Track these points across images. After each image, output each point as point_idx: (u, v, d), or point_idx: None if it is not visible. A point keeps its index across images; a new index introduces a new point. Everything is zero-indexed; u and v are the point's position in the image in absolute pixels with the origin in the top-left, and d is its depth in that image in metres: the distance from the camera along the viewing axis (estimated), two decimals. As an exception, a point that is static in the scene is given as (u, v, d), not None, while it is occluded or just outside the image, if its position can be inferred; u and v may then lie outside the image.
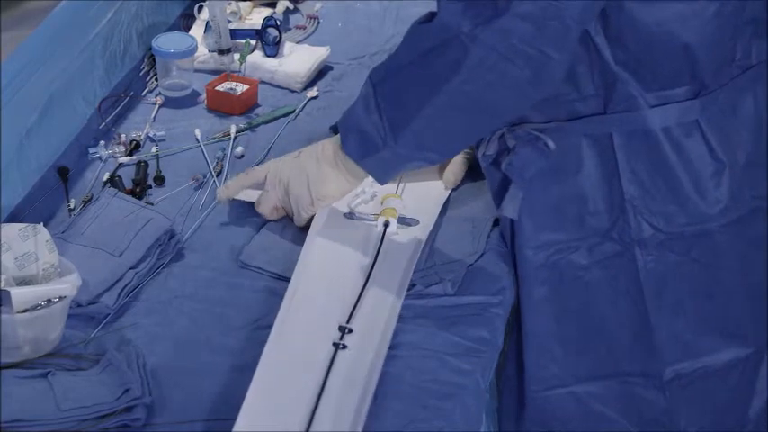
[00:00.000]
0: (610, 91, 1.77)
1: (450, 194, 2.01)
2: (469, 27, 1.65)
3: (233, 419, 1.56)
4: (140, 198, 2.00)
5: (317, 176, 1.86)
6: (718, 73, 1.81)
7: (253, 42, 2.39)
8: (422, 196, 2.00)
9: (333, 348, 1.65)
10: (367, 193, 1.98)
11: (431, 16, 1.71)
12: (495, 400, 2.11)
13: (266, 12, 2.59)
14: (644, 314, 1.89)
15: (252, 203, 1.97)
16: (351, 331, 1.68)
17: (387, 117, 1.72)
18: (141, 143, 2.16)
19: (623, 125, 1.79)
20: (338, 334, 1.68)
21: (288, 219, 1.95)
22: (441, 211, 1.97)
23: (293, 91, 2.36)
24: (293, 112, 2.29)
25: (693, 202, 1.84)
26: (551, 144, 1.79)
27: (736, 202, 1.87)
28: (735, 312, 1.94)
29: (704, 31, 1.76)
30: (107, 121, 2.22)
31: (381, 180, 1.82)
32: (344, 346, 1.65)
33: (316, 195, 1.87)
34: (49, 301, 1.65)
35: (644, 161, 1.81)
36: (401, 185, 2.01)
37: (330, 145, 1.85)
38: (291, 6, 2.65)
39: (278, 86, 2.37)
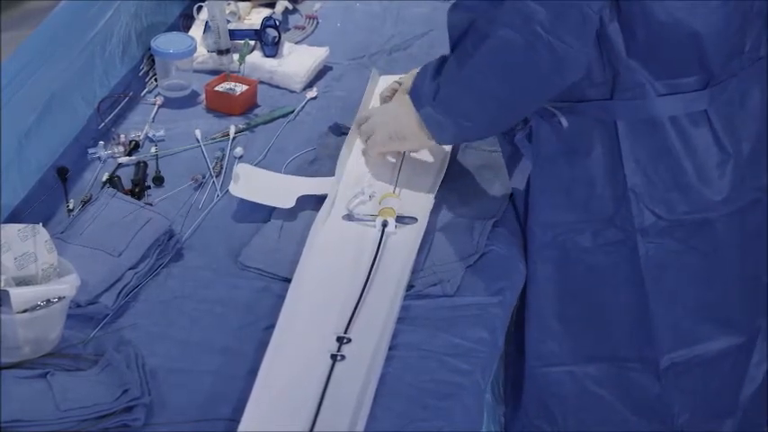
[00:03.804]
0: (618, 77, 1.80)
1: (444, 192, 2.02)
2: (488, 6, 1.74)
3: (232, 419, 1.56)
4: (139, 198, 2.00)
5: (405, 132, 1.97)
6: (727, 64, 1.84)
7: (252, 42, 2.39)
8: (418, 186, 2.02)
9: (331, 361, 1.65)
10: (366, 193, 1.99)
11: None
12: (502, 405, 2.12)
13: (265, 12, 2.59)
14: (643, 301, 1.92)
15: (255, 204, 1.97)
16: (349, 341, 1.69)
17: (437, 79, 1.88)
18: (140, 143, 2.16)
19: (629, 113, 1.83)
20: (336, 345, 1.68)
21: (286, 220, 1.96)
22: (441, 212, 1.98)
23: (292, 91, 2.36)
24: (292, 112, 2.29)
25: (696, 191, 1.87)
26: (564, 122, 1.84)
27: (738, 193, 1.90)
28: (730, 301, 1.98)
29: (711, 20, 1.78)
30: (106, 121, 2.22)
31: (434, 135, 1.91)
32: (343, 357, 1.66)
33: (404, 147, 2.03)
34: (48, 301, 1.65)
35: (648, 149, 1.84)
36: (398, 184, 2.01)
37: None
38: (290, 6, 2.65)
39: (277, 87, 2.37)
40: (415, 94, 1.91)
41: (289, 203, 1.97)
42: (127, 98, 2.29)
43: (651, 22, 1.76)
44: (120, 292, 1.78)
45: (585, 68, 1.78)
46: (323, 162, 2.11)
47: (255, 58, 2.40)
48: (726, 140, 1.86)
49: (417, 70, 2.10)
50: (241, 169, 2.03)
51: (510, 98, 1.81)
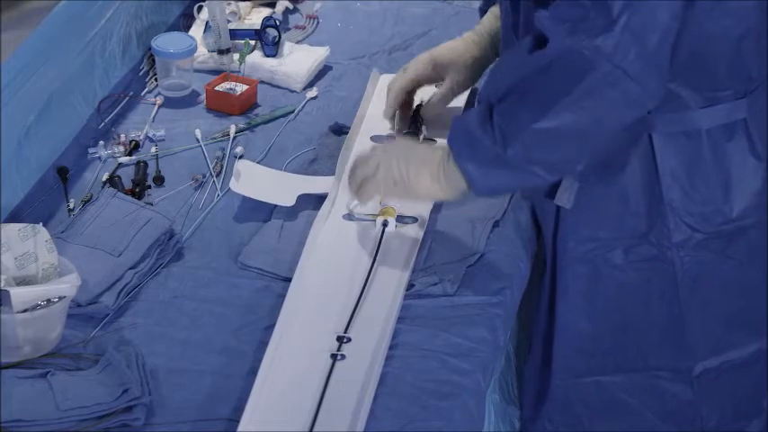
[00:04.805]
0: None
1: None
2: (586, 39, 1.60)
3: (232, 419, 1.56)
4: (140, 198, 2.00)
5: (413, 181, 1.79)
6: (761, 66, 1.81)
7: (252, 42, 2.39)
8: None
9: (331, 360, 1.65)
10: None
11: (536, 44, 1.66)
12: (513, 406, 2.11)
13: (266, 12, 2.59)
14: (677, 313, 1.90)
15: (255, 201, 1.97)
16: (349, 340, 1.69)
17: (499, 129, 1.67)
18: (141, 143, 2.16)
19: (667, 125, 1.80)
20: (336, 344, 1.68)
21: (287, 219, 1.96)
22: (441, 212, 1.97)
23: (293, 91, 2.36)
24: (293, 112, 2.29)
25: (732, 201, 1.85)
26: None
27: None
28: (759, 306, 1.96)
29: (750, 21, 1.76)
30: (107, 120, 2.22)
31: (480, 189, 1.74)
32: (343, 357, 1.66)
33: (407, 196, 1.83)
34: (48, 301, 1.65)
35: (684, 162, 1.82)
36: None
37: (438, 153, 1.77)
38: (291, 6, 2.65)
39: (277, 86, 2.37)
40: (467, 146, 1.72)
41: (289, 201, 1.97)
42: (127, 98, 2.29)
43: (701, 34, 1.71)
44: (120, 292, 1.78)
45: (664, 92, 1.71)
46: (323, 162, 2.11)
47: (256, 57, 2.40)
48: (760, 147, 1.84)
49: (423, 55, 2.06)
50: (242, 166, 2.04)
51: (595, 135, 1.68)
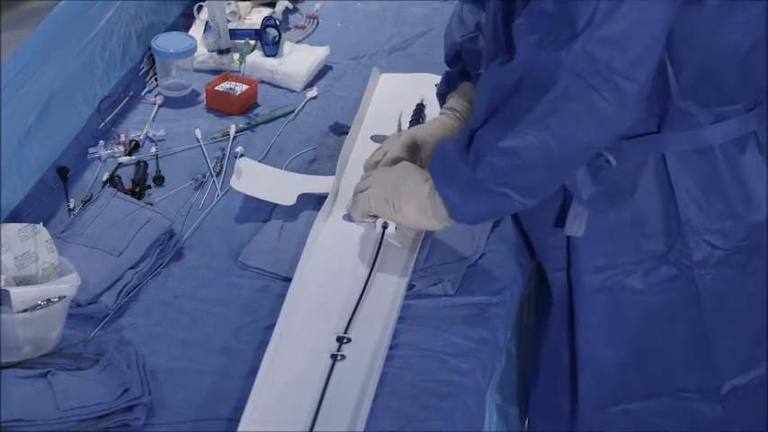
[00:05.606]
0: (665, 110, 1.74)
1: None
2: (550, 52, 1.60)
3: (232, 419, 1.56)
4: (140, 198, 2.00)
5: (403, 209, 1.81)
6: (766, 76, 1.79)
7: (252, 42, 2.39)
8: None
9: (331, 361, 1.65)
10: (366, 193, 1.98)
11: (508, 58, 1.67)
12: (513, 406, 2.11)
13: (266, 12, 2.60)
14: (702, 332, 1.87)
15: (255, 201, 1.97)
16: (349, 341, 1.68)
17: (474, 151, 1.68)
18: (141, 143, 2.16)
19: (679, 144, 1.77)
20: (336, 345, 1.68)
21: (287, 219, 1.96)
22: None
23: (293, 91, 2.36)
24: (293, 111, 2.29)
25: (750, 215, 1.82)
26: (613, 161, 1.76)
27: None
28: None
29: (758, 31, 1.74)
30: (107, 120, 2.22)
31: (460, 216, 1.75)
32: (343, 357, 1.66)
33: (395, 220, 1.84)
34: (48, 300, 1.65)
35: (698, 179, 1.79)
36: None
37: (428, 186, 1.77)
38: (291, 6, 2.65)
39: (278, 86, 2.37)
40: (444, 169, 1.73)
41: (290, 201, 1.97)
42: (127, 98, 2.29)
43: (710, 47, 1.70)
44: (120, 292, 1.78)
45: (640, 111, 1.69)
46: (323, 162, 2.11)
47: (256, 57, 2.40)
48: None
49: (402, 138, 1.96)
50: (243, 164, 2.04)
51: (565, 154, 1.66)
